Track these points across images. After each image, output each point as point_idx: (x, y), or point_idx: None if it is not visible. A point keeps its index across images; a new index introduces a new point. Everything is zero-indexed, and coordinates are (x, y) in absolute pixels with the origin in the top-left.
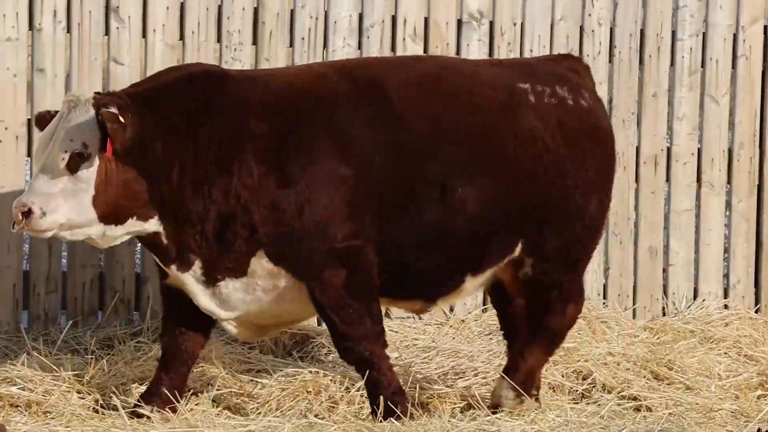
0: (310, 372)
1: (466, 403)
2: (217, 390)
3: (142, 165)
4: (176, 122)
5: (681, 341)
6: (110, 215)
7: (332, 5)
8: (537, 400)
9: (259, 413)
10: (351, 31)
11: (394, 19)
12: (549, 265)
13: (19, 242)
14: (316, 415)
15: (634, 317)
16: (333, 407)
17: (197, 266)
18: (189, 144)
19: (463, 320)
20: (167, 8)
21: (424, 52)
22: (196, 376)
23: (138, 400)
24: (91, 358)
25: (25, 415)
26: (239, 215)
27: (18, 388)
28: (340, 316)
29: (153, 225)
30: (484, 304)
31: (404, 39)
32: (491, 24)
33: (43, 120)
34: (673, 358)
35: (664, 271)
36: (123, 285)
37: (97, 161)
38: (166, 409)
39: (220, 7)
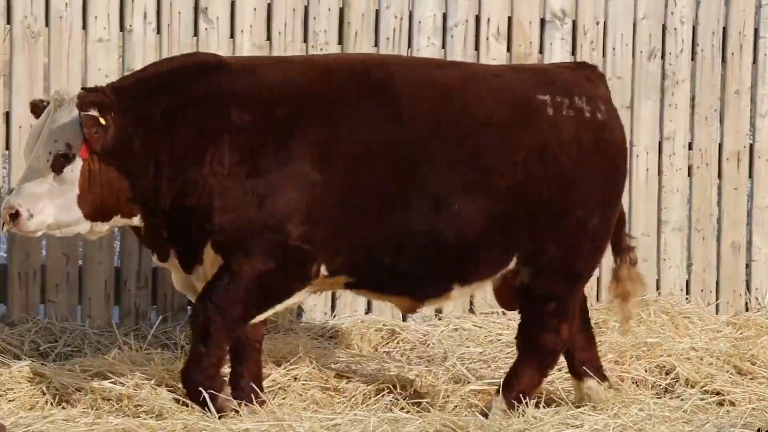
0: (396, 366)
1: (548, 397)
2: (304, 384)
3: (123, 163)
4: (154, 117)
5: (764, 336)
6: (96, 214)
7: (417, 5)
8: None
9: (346, 407)
10: (435, 31)
11: (477, 18)
12: (547, 276)
13: (111, 239)
14: (401, 409)
15: (717, 312)
16: (418, 402)
17: (173, 256)
18: (165, 139)
19: None
20: (255, 9)
21: (508, 51)
22: (283, 370)
23: (225, 395)
24: (181, 353)
25: (116, 408)
26: (202, 204)
27: (110, 382)
28: (229, 283)
29: (137, 221)
30: None
31: (488, 38)
32: (574, 23)
33: (36, 109)
34: (757, 353)
35: (747, 266)
36: None
37: (80, 161)
38: (254, 401)
39: (306, 8)
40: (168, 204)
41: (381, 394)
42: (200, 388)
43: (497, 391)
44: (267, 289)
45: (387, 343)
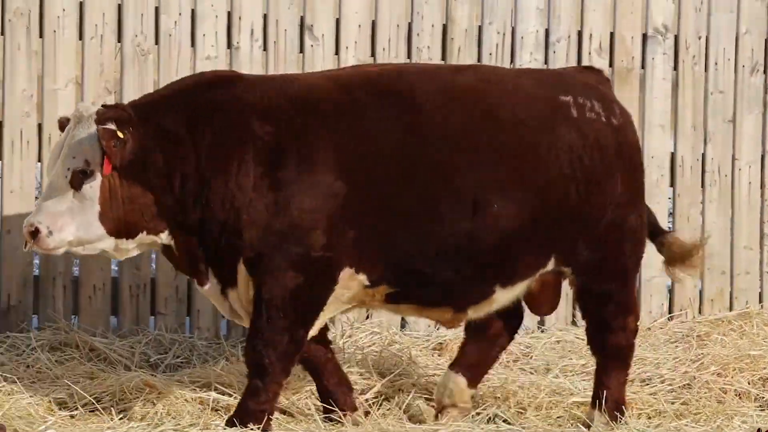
0: (499, 378)
1: (653, 409)
2: (408, 395)
3: (146, 178)
4: (176, 131)
5: None
6: (120, 230)
7: (519, 21)
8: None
9: (449, 418)
10: (537, 46)
11: (580, 33)
12: (589, 277)
13: None
14: (504, 421)
15: None
16: (521, 413)
17: (212, 275)
18: (189, 152)
19: (649, 328)
20: (359, 26)
21: (610, 66)
22: (388, 382)
23: (326, 406)
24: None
25: (224, 419)
26: (231, 220)
27: (217, 393)
28: (269, 316)
29: (164, 238)
30: (669, 312)
31: (590, 53)
32: (676, 38)
33: (63, 126)
34: None
35: None
36: None
37: (99, 177)
38: (356, 406)
39: (410, 24)
40: (197, 220)
41: (484, 406)
42: (252, 423)
43: (593, 405)
44: (302, 306)
45: None
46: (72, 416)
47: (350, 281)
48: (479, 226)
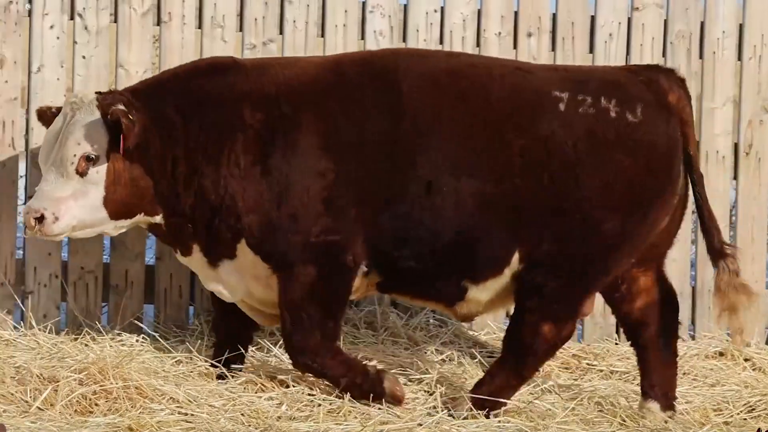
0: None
1: None
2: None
3: (145, 162)
4: (171, 116)
5: None
6: (120, 213)
7: None
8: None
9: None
10: None
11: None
12: (539, 270)
13: None
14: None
15: None
16: (622, 424)
17: (197, 250)
18: (180, 137)
19: None
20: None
21: None
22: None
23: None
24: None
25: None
26: (227, 204)
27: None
28: (293, 319)
29: (158, 219)
30: None
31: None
32: None
33: (44, 116)
34: None
35: None
36: None
37: (105, 162)
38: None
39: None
40: (189, 203)
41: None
42: (365, 388)
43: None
44: (323, 297)
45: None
46: None
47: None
48: (435, 210)
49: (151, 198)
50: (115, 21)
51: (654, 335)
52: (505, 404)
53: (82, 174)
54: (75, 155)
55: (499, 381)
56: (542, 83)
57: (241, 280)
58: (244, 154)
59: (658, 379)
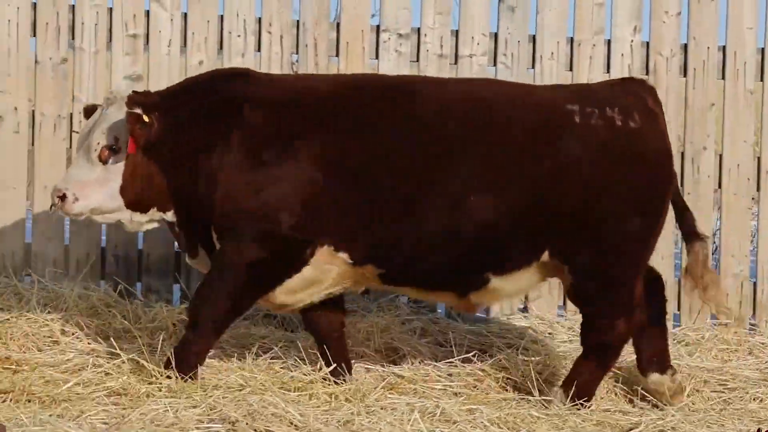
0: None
1: None
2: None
3: (161, 160)
4: (183, 119)
5: None
6: (135, 203)
7: None
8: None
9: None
10: None
11: None
12: (582, 276)
13: None
14: None
15: None
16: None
17: (201, 252)
18: (188, 139)
19: None
20: None
21: None
22: None
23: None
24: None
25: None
26: (210, 192)
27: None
28: (220, 278)
29: (170, 216)
30: None
31: None
32: None
33: (89, 112)
34: None
35: None
36: None
37: (125, 154)
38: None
39: None
40: (191, 200)
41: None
42: (180, 371)
43: (562, 384)
44: (257, 278)
45: None
46: None
47: (331, 258)
48: (459, 218)
49: (164, 194)
50: None
51: (645, 318)
52: (594, 395)
53: (104, 162)
54: (99, 143)
55: (587, 376)
56: (555, 99)
57: None
58: (238, 147)
59: (652, 351)
